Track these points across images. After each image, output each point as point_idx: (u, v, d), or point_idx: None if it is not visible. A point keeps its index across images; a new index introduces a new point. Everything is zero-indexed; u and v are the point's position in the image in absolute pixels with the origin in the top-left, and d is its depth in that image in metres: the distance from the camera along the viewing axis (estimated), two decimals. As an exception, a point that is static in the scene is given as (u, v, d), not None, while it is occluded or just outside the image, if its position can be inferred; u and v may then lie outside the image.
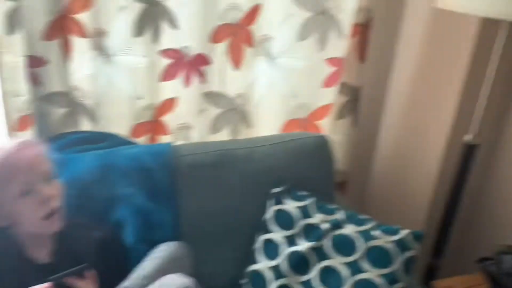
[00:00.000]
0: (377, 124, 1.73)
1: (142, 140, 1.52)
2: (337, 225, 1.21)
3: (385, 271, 1.13)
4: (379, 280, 1.12)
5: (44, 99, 1.39)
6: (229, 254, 1.27)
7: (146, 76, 1.46)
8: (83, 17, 1.31)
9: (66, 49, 1.35)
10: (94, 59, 1.38)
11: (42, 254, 1.02)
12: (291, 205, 1.26)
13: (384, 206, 1.67)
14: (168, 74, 1.48)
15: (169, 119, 1.55)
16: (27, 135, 1.31)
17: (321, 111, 1.64)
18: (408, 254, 1.14)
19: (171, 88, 1.50)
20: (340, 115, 1.65)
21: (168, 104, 1.53)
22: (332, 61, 1.57)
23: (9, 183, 0.92)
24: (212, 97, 1.54)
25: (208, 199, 1.28)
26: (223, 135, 1.59)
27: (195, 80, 1.50)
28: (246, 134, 1.61)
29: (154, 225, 1.19)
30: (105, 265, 1.01)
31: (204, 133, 1.58)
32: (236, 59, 1.50)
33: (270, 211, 1.27)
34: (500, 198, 1.52)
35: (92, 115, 1.44)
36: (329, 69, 1.58)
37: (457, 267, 1.49)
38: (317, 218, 1.23)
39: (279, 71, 1.55)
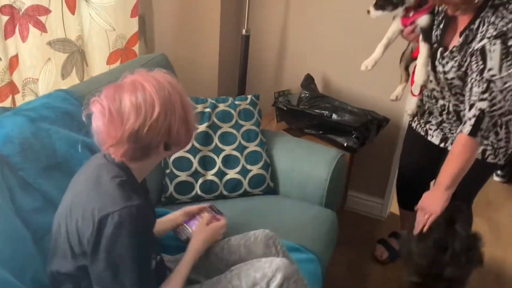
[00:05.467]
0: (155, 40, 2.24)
1: (6, 103, 1.50)
2: (213, 106, 1.77)
3: (253, 121, 1.81)
4: (253, 127, 1.80)
5: None
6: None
7: (-6, 36, 1.42)
8: None
9: None
10: None
11: None
12: (178, 106, 1.71)
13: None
14: (8, 31, 1.49)
15: (17, 76, 1.56)
16: None
17: (133, 39, 1.99)
18: (257, 108, 1.85)
19: (13, 44, 1.51)
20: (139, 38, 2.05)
21: (14, 61, 1.54)
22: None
23: None
24: (57, 44, 1.64)
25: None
26: (73, 79, 1.73)
27: (34, 32, 1.56)
28: (87, 73, 1.80)
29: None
30: None
31: (54, 81, 1.67)
32: (71, 5, 1.64)
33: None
34: (266, 64, 2.38)
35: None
36: (132, 1, 1.92)
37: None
38: (200, 107, 1.74)
39: (95, 10, 1.78)
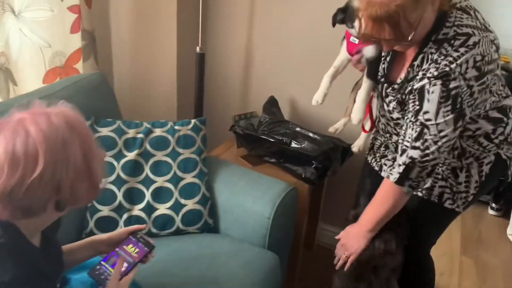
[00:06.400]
0: (111, 58, 2.09)
1: None
2: (148, 131, 1.58)
3: (193, 149, 1.61)
4: (193, 156, 1.60)
5: None
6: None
7: None
8: None
9: None
10: None
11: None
12: (105, 131, 1.53)
13: (140, 115, 2.09)
14: None
15: None
16: None
17: (75, 56, 1.83)
18: (201, 133, 1.65)
19: None
20: (85, 57, 1.90)
21: None
22: (72, 8, 1.76)
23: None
24: (-28, 62, 1.49)
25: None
26: (-6, 99, 1.58)
27: None
28: (15, 93, 1.65)
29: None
30: None
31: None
32: (-12, 19, 1.49)
33: (92, 141, 1.50)
34: (224, 87, 2.20)
35: None
36: (72, 16, 1.77)
37: (214, 142, 2.12)
38: (131, 133, 1.56)
39: (27, 25, 1.63)
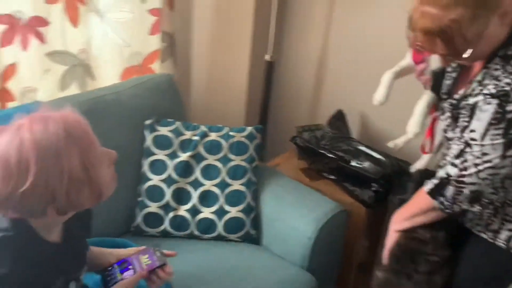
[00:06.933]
0: (190, 61, 2.15)
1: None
2: (204, 135, 1.60)
3: (245, 156, 1.60)
4: (244, 163, 1.59)
5: None
6: (123, 183, 1.52)
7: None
8: None
9: None
10: None
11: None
12: (164, 130, 1.58)
13: (212, 118, 2.13)
14: (4, 40, 1.51)
15: (13, 85, 1.59)
16: None
17: (152, 56, 1.93)
18: (255, 142, 1.64)
19: (11, 53, 1.54)
20: (163, 58, 1.98)
21: (10, 70, 1.56)
22: (152, 11, 1.85)
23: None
24: (56, 56, 1.64)
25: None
26: (72, 91, 1.72)
27: (34, 42, 1.57)
28: (92, 86, 1.78)
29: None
30: None
31: (52, 92, 1.68)
32: (73, 18, 1.63)
33: (149, 139, 1.57)
34: (291, 96, 2.17)
35: None
36: (152, 18, 1.86)
37: (276, 151, 2.09)
38: (188, 135, 1.59)
39: (110, 25, 1.75)
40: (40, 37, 1.57)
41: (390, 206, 1.57)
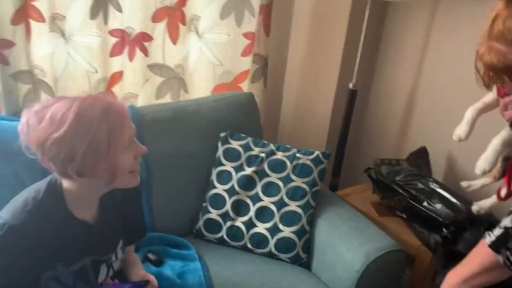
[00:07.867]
0: (282, 83, 2.23)
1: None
2: (271, 153, 1.66)
3: (307, 179, 1.61)
4: (304, 186, 1.60)
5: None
6: (192, 187, 1.64)
7: (99, 53, 1.72)
8: (41, 4, 1.53)
9: (28, 32, 1.56)
10: (53, 40, 1.60)
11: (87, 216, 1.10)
12: (235, 144, 1.68)
13: (295, 140, 2.18)
14: (115, 51, 1.77)
15: (118, 89, 1.83)
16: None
17: (242, 76, 2.06)
18: (321, 166, 1.64)
19: (119, 62, 1.78)
20: (254, 79, 2.09)
21: (117, 76, 1.81)
22: (247, 35, 1.99)
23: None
24: (155, 68, 1.85)
25: (169, 147, 1.62)
26: (166, 100, 1.92)
27: (139, 54, 1.80)
28: (184, 98, 1.96)
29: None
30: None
31: (149, 99, 1.89)
32: (174, 36, 1.83)
33: (220, 150, 1.67)
34: (375, 127, 2.11)
35: (51, 90, 1.66)
36: (246, 42, 1.99)
37: (351, 181, 2.05)
38: (256, 151, 1.66)
39: (206, 45, 1.92)
40: (144, 51, 1.80)
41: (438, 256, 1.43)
